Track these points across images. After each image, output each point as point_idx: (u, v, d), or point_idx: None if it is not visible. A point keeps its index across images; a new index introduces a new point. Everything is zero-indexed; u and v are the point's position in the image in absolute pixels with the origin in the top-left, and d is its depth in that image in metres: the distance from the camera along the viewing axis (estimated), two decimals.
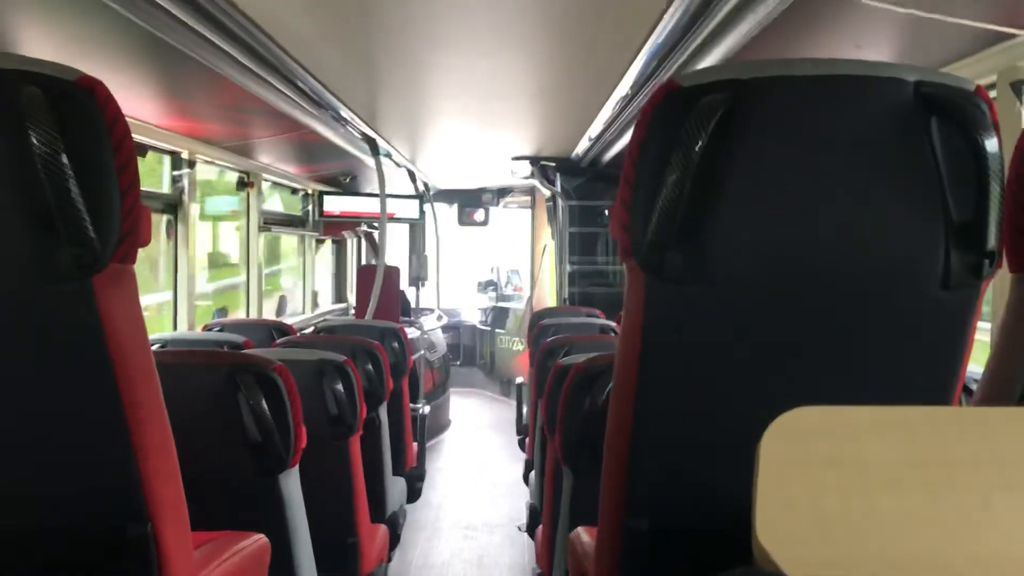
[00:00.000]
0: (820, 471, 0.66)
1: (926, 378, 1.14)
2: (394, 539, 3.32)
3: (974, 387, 1.22)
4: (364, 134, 4.37)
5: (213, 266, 4.99)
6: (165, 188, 3.89)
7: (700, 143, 1.00)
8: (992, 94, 2.10)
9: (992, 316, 1.95)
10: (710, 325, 1.12)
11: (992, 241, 1.03)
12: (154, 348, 2.87)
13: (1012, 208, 1.02)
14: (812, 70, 1.05)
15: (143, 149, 3.44)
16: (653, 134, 1.06)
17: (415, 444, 4.31)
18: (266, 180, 5.20)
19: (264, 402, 1.84)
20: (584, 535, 1.61)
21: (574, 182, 5.94)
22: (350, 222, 6.65)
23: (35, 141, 1.01)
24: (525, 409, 4.57)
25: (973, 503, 0.65)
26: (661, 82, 1.09)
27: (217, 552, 1.52)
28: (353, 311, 7.10)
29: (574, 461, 1.91)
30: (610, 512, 1.24)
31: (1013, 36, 2.02)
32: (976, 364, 1.25)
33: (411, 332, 5.37)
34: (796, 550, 0.61)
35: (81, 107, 1.06)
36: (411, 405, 4.28)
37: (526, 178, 6.15)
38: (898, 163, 1.04)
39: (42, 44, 2.33)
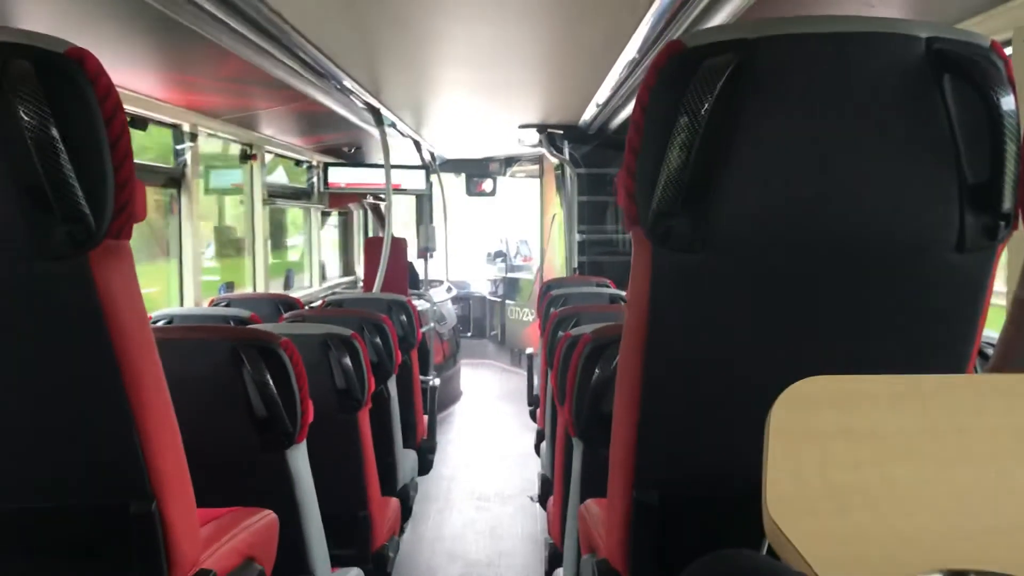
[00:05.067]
0: (831, 441, 0.64)
1: (941, 344, 1.11)
2: (406, 512, 3.34)
3: (990, 351, 1.20)
4: (368, 104, 4.33)
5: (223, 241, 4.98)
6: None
7: (706, 106, 0.97)
8: (1008, 50, 2.05)
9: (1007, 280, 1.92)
10: (718, 294, 1.09)
11: (1008, 202, 1.00)
12: (160, 324, 2.89)
13: None
14: (821, 28, 1.01)
15: (144, 122, 3.41)
16: (658, 98, 1.02)
17: (426, 416, 4.32)
18: (269, 152, 5.17)
19: (269, 377, 1.83)
20: (594, 507, 1.61)
21: (582, 149, 5.88)
22: (356, 194, 6.63)
23: (24, 115, 0.99)
24: (536, 379, 4.57)
25: (988, 472, 0.63)
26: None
27: (224, 529, 1.51)
28: (361, 283, 7.09)
29: (584, 433, 1.90)
30: (619, 485, 1.22)
31: None
32: (992, 329, 1.22)
33: (420, 304, 5.36)
34: (807, 522, 0.60)
35: (70, 79, 1.03)
36: (421, 377, 4.28)
37: (534, 146, 6.09)
38: (911, 123, 1.01)
39: (38, 17, 2.30)
